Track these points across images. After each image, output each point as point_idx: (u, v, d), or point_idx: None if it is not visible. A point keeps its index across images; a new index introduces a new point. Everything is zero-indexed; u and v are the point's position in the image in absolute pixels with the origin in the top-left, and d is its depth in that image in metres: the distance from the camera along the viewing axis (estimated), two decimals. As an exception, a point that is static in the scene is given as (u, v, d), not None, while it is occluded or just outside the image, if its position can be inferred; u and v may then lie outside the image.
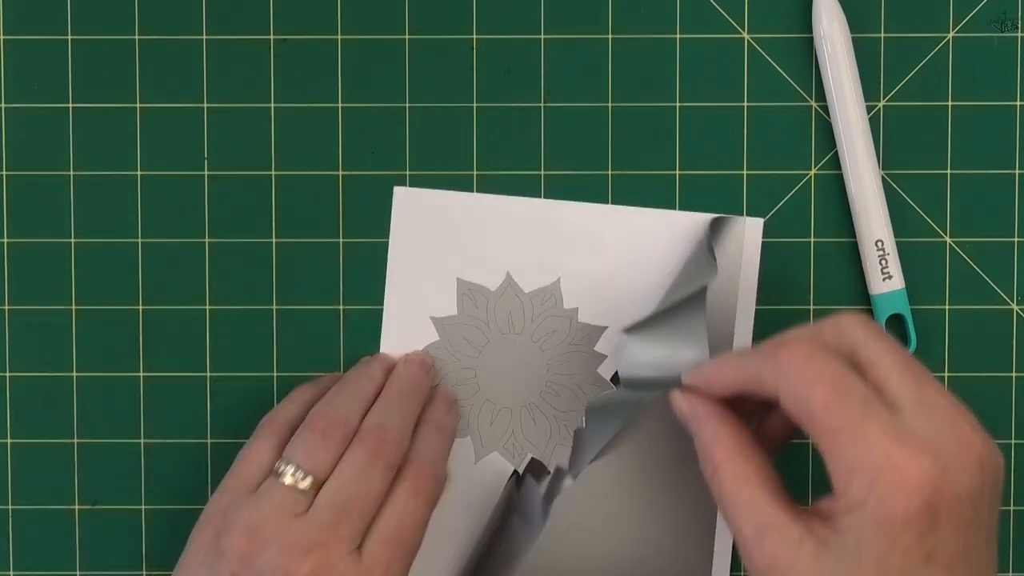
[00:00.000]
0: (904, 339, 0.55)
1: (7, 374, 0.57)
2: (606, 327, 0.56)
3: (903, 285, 0.55)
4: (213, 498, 0.51)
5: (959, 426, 0.43)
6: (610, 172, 0.56)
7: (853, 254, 0.56)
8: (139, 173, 0.56)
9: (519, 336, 0.56)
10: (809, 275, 0.56)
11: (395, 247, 0.56)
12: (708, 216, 0.55)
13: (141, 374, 0.56)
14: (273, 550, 0.48)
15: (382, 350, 0.56)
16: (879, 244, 0.54)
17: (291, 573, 0.47)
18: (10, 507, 0.57)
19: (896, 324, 0.55)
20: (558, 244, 0.56)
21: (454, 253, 0.56)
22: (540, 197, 0.56)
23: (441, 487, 0.52)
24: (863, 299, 0.56)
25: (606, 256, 0.56)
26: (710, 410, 0.47)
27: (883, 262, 0.54)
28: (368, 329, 0.56)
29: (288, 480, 0.49)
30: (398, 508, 0.50)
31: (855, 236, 0.55)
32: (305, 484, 0.49)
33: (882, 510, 0.41)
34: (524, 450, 0.56)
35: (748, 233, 0.55)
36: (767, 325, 0.56)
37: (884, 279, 0.54)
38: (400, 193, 0.56)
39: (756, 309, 0.56)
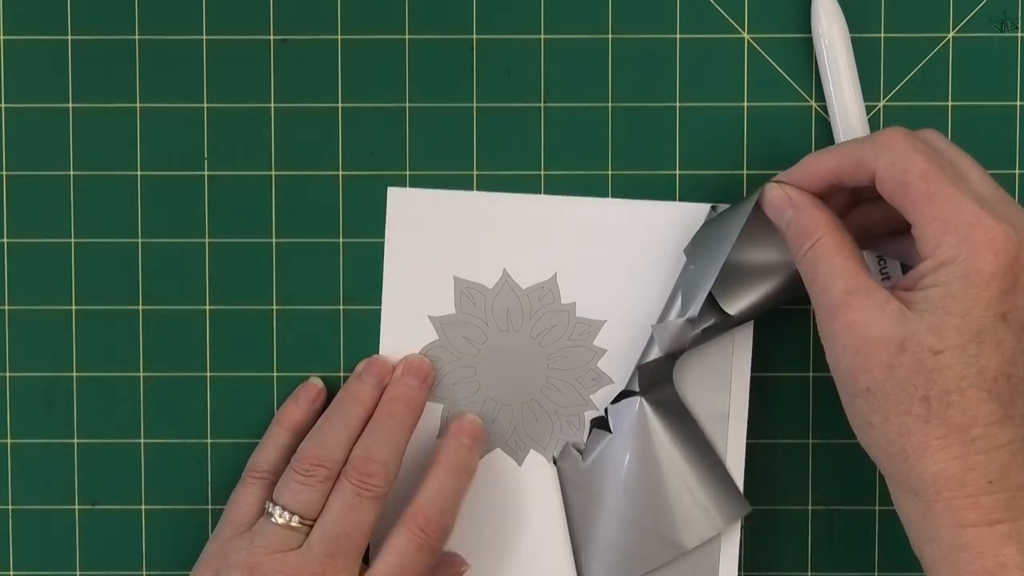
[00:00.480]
0: None
1: (7, 374, 0.57)
2: (605, 321, 0.56)
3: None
4: (208, 542, 0.53)
5: None
6: (610, 172, 0.56)
7: (853, 254, 0.56)
8: (139, 173, 0.56)
9: (518, 333, 0.56)
10: (809, 275, 0.56)
11: (391, 248, 0.56)
12: (703, 206, 0.55)
13: (141, 374, 0.56)
14: None
15: (381, 351, 0.56)
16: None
17: None
18: (10, 507, 0.57)
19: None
20: (554, 239, 0.56)
21: (450, 252, 0.56)
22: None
23: (447, 534, 0.53)
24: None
25: (602, 249, 0.56)
26: (807, 195, 0.50)
27: (881, 262, 0.54)
28: (368, 329, 0.56)
29: (279, 520, 0.51)
30: (399, 552, 0.51)
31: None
32: (296, 522, 0.51)
33: (972, 263, 0.45)
34: (526, 446, 0.56)
35: None
36: (767, 324, 0.56)
37: (883, 279, 0.54)
38: (394, 193, 0.56)
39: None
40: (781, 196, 0.50)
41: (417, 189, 0.56)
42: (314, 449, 0.53)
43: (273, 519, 0.51)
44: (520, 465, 0.56)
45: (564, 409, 0.56)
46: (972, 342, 0.45)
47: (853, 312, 0.46)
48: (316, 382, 0.56)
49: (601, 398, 0.56)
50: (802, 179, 0.50)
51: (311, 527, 0.51)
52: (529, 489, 0.56)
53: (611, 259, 0.56)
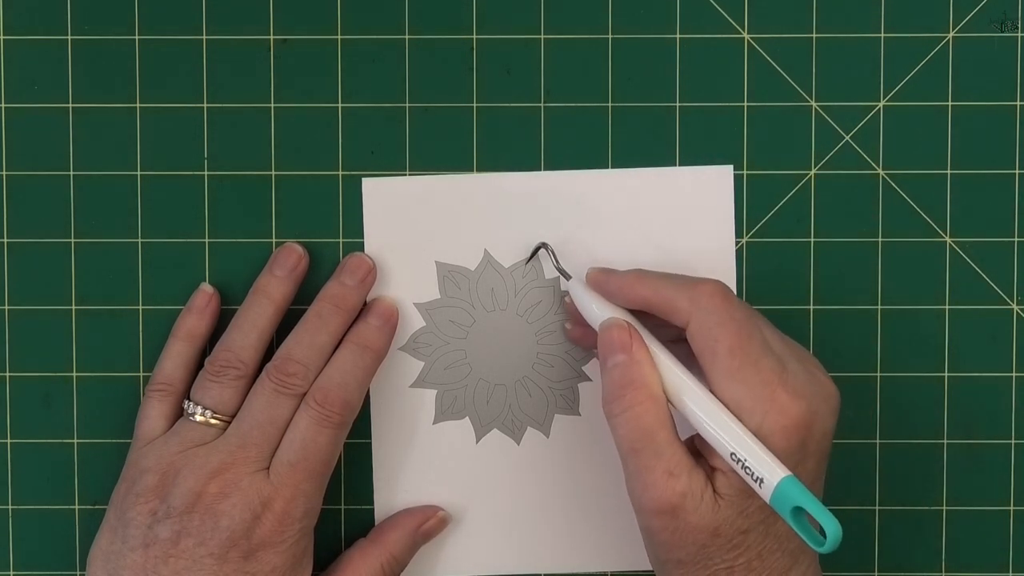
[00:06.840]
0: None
1: (7, 374, 0.57)
2: None
3: (783, 474, 0.46)
4: (124, 467, 0.53)
5: (821, 377, 0.50)
6: (610, 172, 0.56)
7: (852, 253, 0.56)
8: (139, 173, 0.56)
9: (504, 312, 0.56)
10: (809, 275, 0.56)
11: (370, 238, 0.56)
12: (676, 169, 0.55)
13: (141, 374, 0.56)
14: (183, 475, 0.51)
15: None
16: (734, 456, 0.47)
17: (202, 494, 0.50)
18: (10, 507, 0.57)
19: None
20: (532, 215, 0.56)
21: (430, 237, 0.56)
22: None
23: (350, 410, 0.53)
24: (862, 298, 0.56)
25: (580, 220, 0.56)
26: (645, 348, 0.50)
27: (747, 470, 0.47)
28: (368, 329, 0.56)
29: (199, 419, 0.52)
30: (300, 433, 0.52)
31: (850, 234, 0.55)
32: (211, 417, 0.52)
33: (767, 444, 0.47)
34: (524, 424, 0.56)
35: (719, 180, 0.56)
36: (767, 325, 0.56)
37: (758, 486, 0.47)
38: (369, 184, 0.56)
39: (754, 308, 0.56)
40: (623, 339, 0.50)
41: (392, 177, 0.56)
42: (222, 353, 0.53)
43: (194, 419, 0.52)
44: (519, 444, 0.56)
45: (558, 383, 0.56)
46: (772, 515, 0.48)
47: (675, 498, 0.48)
48: (206, 288, 0.56)
49: (593, 369, 0.56)
50: (616, 294, 0.52)
51: (229, 424, 0.52)
52: (529, 467, 0.57)
53: (590, 229, 0.56)
